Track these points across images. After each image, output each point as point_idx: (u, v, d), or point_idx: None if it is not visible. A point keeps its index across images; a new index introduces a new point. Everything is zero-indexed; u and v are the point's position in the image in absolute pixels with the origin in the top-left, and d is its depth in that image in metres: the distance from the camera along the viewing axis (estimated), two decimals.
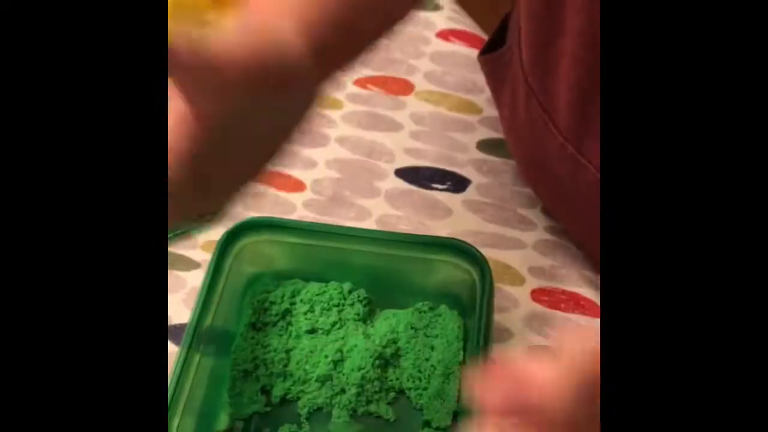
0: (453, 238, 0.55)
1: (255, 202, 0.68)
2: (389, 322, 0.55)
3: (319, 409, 0.53)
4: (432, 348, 0.54)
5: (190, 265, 0.64)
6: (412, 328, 0.55)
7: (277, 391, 0.53)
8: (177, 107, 0.29)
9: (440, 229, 0.66)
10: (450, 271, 0.54)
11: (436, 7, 0.84)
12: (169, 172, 0.28)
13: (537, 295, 0.59)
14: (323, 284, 0.56)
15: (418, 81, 0.77)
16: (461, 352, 0.53)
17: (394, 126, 0.74)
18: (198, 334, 0.48)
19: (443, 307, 0.55)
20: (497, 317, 0.56)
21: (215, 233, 0.57)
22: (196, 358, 0.50)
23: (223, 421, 0.52)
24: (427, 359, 0.53)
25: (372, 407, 0.52)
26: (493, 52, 0.66)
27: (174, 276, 0.63)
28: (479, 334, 0.50)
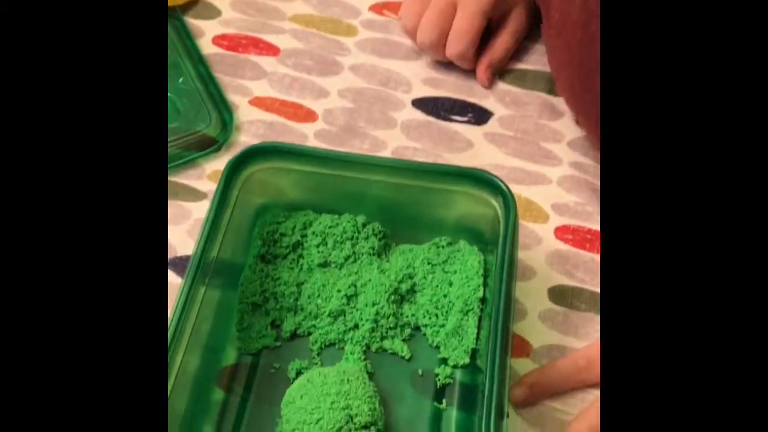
0: (475, 168, 0.52)
1: (264, 132, 0.65)
2: (405, 257, 0.52)
3: (331, 344, 0.51)
4: (450, 284, 0.51)
5: (197, 195, 0.61)
6: (429, 263, 0.52)
7: (288, 326, 0.50)
8: None
9: (459, 162, 0.62)
10: (471, 204, 0.50)
11: None
12: None
13: (561, 233, 0.56)
14: (336, 216, 0.53)
15: None
16: (481, 289, 0.50)
17: (411, 54, 0.70)
18: (203, 266, 0.45)
19: (463, 243, 0.52)
20: (519, 254, 0.53)
21: (222, 162, 0.54)
22: (201, 290, 0.47)
23: (230, 356, 0.50)
24: (444, 295, 0.51)
25: (386, 344, 0.50)
26: None
27: (179, 207, 0.60)
28: (502, 270, 0.47)
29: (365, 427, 0.47)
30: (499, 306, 0.45)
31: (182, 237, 0.59)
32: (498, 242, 0.49)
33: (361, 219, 0.53)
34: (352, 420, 0.46)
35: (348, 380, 0.47)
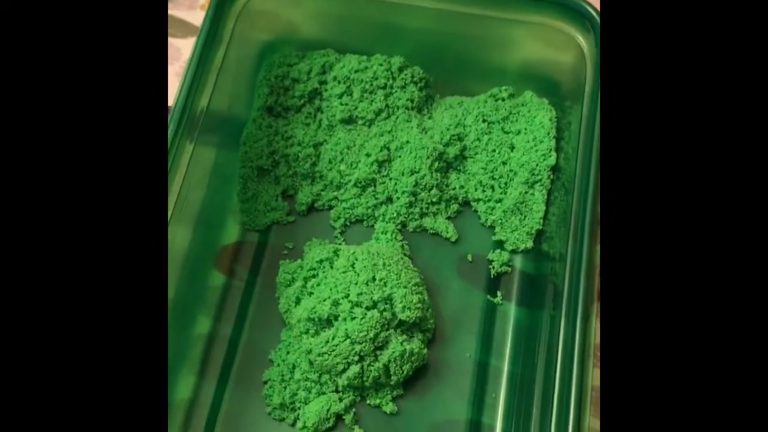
0: None
1: None
2: (453, 113, 0.43)
3: (358, 221, 0.43)
4: (511, 147, 0.42)
5: (188, 30, 0.49)
6: (484, 120, 0.43)
7: (303, 197, 0.42)
8: None
9: None
10: (544, 42, 0.40)
11: None
12: None
13: None
14: (364, 58, 0.44)
15: None
16: (553, 154, 0.40)
17: None
18: (189, 117, 0.35)
19: (529, 94, 0.43)
20: None
21: None
22: (188, 148, 0.37)
23: (231, 232, 0.42)
24: (504, 162, 0.42)
25: (427, 222, 0.41)
26: None
27: (168, 44, 0.48)
28: (589, 128, 0.35)
29: (412, 327, 0.37)
30: (584, 176, 0.34)
31: (171, 80, 0.47)
32: (580, 95, 0.37)
33: (396, 62, 0.43)
34: (394, 318, 0.36)
35: (384, 264, 0.37)
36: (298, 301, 0.39)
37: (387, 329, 0.37)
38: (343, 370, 0.36)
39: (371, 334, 0.36)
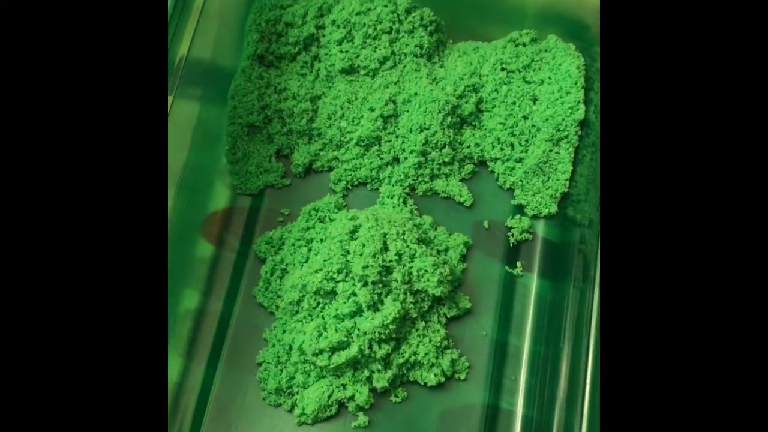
0: None
1: None
2: (468, 60, 0.39)
3: (361, 184, 0.39)
4: (534, 100, 0.39)
5: None
6: (502, 69, 0.39)
7: (300, 158, 0.39)
8: None
9: None
10: None
11: None
12: None
13: None
14: None
15: None
16: (581, 107, 0.37)
17: None
18: (169, 68, 0.30)
19: (554, 38, 0.40)
20: None
21: None
22: (167, 100, 0.32)
23: (220, 197, 0.39)
24: (525, 116, 0.38)
25: (438, 184, 0.39)
26: None
27: None
28: None
29: (435, 304, 0.34)
30: None
31: None
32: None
33: (403, 2, 0.39)
34: (412, 294, 0.33)
35: (398, 235, 0.33)
36: (282, 275, 0.35)
37: (404, 310, 0.33)
38: (345, 360, 0.33)
39: (389, 321, 0.32)
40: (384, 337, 0.32)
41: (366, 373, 0.33)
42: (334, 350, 0.33)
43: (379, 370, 0.33)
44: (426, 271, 0.33)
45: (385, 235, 0.33)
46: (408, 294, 0.33)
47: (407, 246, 0.33)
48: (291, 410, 0.34)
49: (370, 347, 0.33)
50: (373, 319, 0.32)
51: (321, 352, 0.32)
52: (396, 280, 0.33)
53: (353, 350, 0.32)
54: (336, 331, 0.32)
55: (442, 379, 0.34)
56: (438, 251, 0.35)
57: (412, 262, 0.33)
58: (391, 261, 0.33)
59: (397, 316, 0.32)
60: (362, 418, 0.33)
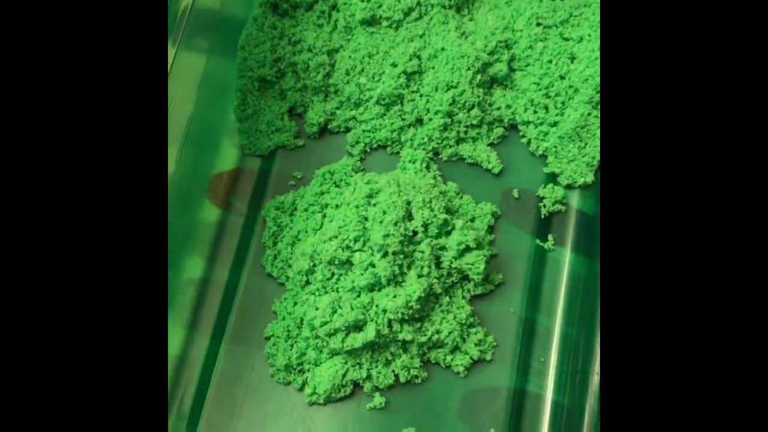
0: None
1: None
2: (500, 14, 0.36)
3: (381, 146, 0.36)
4: (572, 58, 0.36)
5: None
6: (538, 23, 0.36)
7: (314, 116, 0.36)
8: None
9: None
10: None
11: None
12: None
13: None
14: None
15: None
16: None
17: None
18: (171, 15, 0.31)
19: None
20: None
21: None
22: (171, 52, 0.29)
23: (227, 157, 0.36)
24: (561, 76, 0.35)
25: (464, 149, 0.36)
26: None
27: None
28: None
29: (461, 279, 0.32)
30: None
31: None
32: None
33: None
34: (438, 268, 0.30)
35: (425, 203, 0.31)
36: (293, 243, 0.32)
37: (429, 287, 0.30)
38: (362, 345, 0.30)
39: (413, 300, 0.29)
40: (407, 317, 0.30)
41: (385, 354, 0.31)
42: (349, 330, 0.30)
43: (398, 352, 0.31)
44: (465, 247, 0.30)
45: (408, 202, 0.31)
46: (432, 268, 0.30)
47: (435, 215, 0.30)
48: (301, 389, 0.31)
49: (390, 327, 0.30)
50: (395, 297, 0.29)
51: (335, 332, 0.30)
52: (422, 252, 0.30)
53: (370, 334, 0.30)
54: (352, 308, 0.30)
55: (468, 365, 0.31)
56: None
57: (441, 234, 0.30)
58: (415, 231, 0.30)
59: (423, 294, 0.29)
60: (378, 399, 0.31)
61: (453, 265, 0.30)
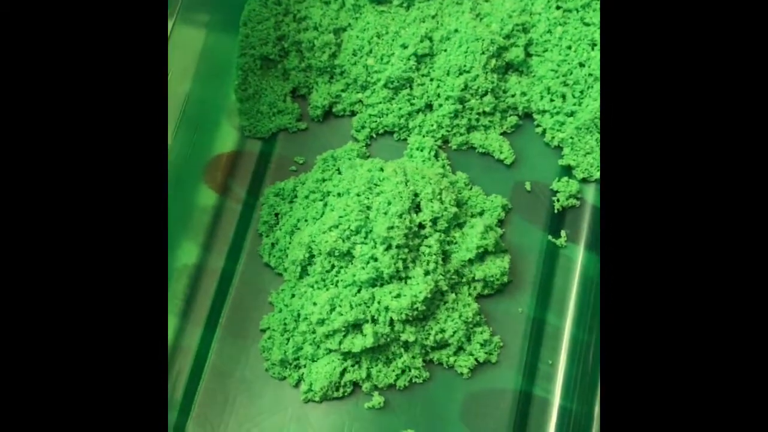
0: None
1: None
2: None
3: (388, 133, 0.35)
4: (593, 44, 0.34)
5: None
6: (558, 7, 0.34)
7: (319, 98, 0.35)
8: None
9: None
10: None
11: None
12: None
13: None
14: None
15: None
16: None
17: None
18: None
19: None
20: None
21: None
22: (168, 24, 0.27)
23: (227, 139, 0.35)
24: (581, 64, 0.33)
25: (475, 138, 0.34)
26: None
27: None
28: None
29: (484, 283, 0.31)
30: None
31: None
32: None
33: None
34: (444, 264, 0.29)
35: (434, 195, 0.29)
36: (292, 232, 0.31)
37: (436, 286, 0.29)
38: (360, 350, 0.29)
39: (419, 300, 0.28)
40: (411, 318, 0.28)
41: (386, 353, 0.29)
42: (348, 330, 0.29)
43: (399, 351, 0.29)
44: (481, 250, 0.29)
45: (416, 193, 0.29)
46: (439, 264, 0.29)
47: (445, 209, 0.29)
48: (297, 385, 0.30)
49: (392, 325, 0.28)
50: (399, 296, 0.28)
51: (333, 333, 0.28)
52: (429, 246, 0.28)
53: (369, 340, 0.28)
54: (351, 306, 0.28)
55: (472, 366, 0.30)
56: (472, 215, 0.31)
57: (450, 228, 0.29)
58: (421, 224, 0.29)
59: (429, 295, 0.28)
60: (377, 399, 0.30)
61: (471, 273, 0.29)
